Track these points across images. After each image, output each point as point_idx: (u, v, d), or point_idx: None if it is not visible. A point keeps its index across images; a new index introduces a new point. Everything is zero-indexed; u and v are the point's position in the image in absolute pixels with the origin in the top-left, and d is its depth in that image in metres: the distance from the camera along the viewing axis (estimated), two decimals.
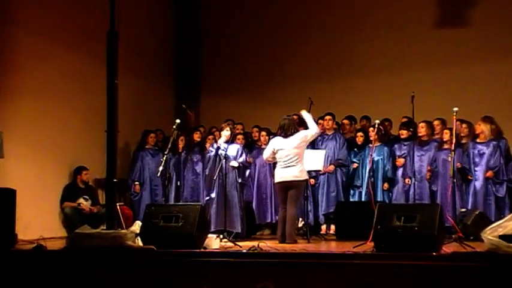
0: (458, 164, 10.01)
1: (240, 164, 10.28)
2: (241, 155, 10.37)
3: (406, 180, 10.56)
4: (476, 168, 10.27)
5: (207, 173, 10.46)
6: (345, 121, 11.61)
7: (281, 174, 9.52)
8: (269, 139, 10.41)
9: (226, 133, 10.30)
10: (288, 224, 9.36)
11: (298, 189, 9.52)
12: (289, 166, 9.44)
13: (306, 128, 10.59)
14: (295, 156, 9.45)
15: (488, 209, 10.07)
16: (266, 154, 9.73)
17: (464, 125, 10.33)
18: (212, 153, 10.32)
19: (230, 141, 10.32)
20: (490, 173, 10.15)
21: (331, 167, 10.92)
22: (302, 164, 9.52)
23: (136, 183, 11.67)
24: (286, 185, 9.47)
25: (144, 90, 12.80)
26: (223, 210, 9.94)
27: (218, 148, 10.25)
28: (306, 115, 9.76)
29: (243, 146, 10.90)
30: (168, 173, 11.19)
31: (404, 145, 10.83)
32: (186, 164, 11.45)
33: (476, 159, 10.28)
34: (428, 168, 10.46)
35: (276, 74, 13.73)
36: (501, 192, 10.13)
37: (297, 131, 9.70)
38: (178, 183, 11.44)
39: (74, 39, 11.11)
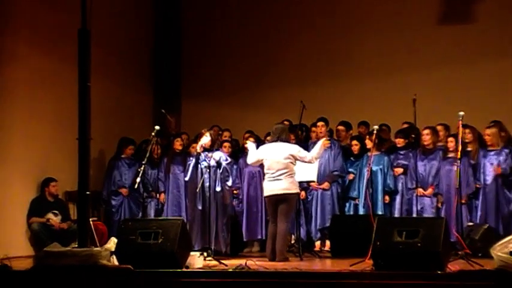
0: (498, 169, 10.01)
1: (222, 164, 10.24)
2: (225, 160, 10.34)
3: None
4: (486, 178, 10.28)
5: (186, 179, 10.42)
6: (340, 127, 11.57)
7: (270, 187, 9.51)
8: (257, 146, 10.41)
9: (205, 139, 10.23)
10: (279, 240, 9.35)
11: (290, 203, 9.51)
12: (278, 179, 9.43)
13: (297, 136, 10.59)
14: (285, 169, 9.42)
15: (498, 223, 10.09)
16: (251, 159, 9.72)
17: (467, 130, 10.23)
18: (192, 162, 10.28)
19: (215, 148, 10.28)
20: (498, 169, 10.11)
21: (326, 184, 10.91)
22: (293, 176, 9.51)
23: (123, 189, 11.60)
24: (276, 199, 9.46)
25: (119, 94, 12.78)
26: (208, 226, 9.91)
27: (198, 156, 10.20)
28: (318, 146, 9.76)
29: (230, 154, 10.89)
30: (150, 184, 11.20)
31: (401, 154, 10.81)
32: (167, 175, 11.42)
33: (487, 169, 10.29)
34: (432, 187, 10.49)
35: (265, 76, 13.74)
36: None
37: (288, 139, 9.69)
38: (158, 196, 11.41)
39: (42, 39, 11.07)
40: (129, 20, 13.30)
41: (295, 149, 9.56)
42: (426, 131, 10.63)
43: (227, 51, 14.03)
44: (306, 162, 9.60)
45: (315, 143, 10.95)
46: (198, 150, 10.21)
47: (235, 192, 10.97)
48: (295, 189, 9.55)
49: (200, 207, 10.19)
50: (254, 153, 9.75)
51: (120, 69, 12.87)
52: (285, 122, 10.92)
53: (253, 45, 13.91)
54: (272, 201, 9.49)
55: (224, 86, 13.92)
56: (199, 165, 10.18)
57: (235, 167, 11.16)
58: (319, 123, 11.15)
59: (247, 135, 11.44)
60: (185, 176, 10.58)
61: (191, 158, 10.41)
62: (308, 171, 10.05)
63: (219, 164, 10.11)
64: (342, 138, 11.53)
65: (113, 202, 11.65)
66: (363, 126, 11.72)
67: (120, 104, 12.75)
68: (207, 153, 10.16)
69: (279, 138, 9.56)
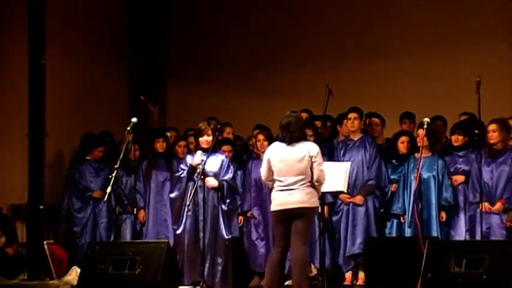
0: None
1: (224, 183, 10.16)
2: (226, 170, 10.26)
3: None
4: None
5: (172, 196, 10.33)
6: (375, 119, 11.47)
7: (280, 200, 9.30)
8: (269, 145, 10.32)
9: (206, 139, 10.13)
10: (296, 270, 9.21)
11: (308, 220, 9.32)
12: (291, 189, 9.27)
13: (316, 131, 10.52)
14: (301, 175, 9.22)
15: None
16: (263, 173, 9.53)
17: None
18: (183, 174, 10.15)
19: (211, 150, 10.17)
20: None
21: (359, 198, 10.86)
22: (311, 186, 9.34)
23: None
24: (288, 215, 9.26)
25: (84, 76, 12.83)
26: (202, 253, 9.85)
27: (193, 171, 10.09)
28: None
29: (231, 158, 10.86)
30: (124, 196, 11.19)
31: (460, 156, 10.78)
32: (147, 184, 11.40)
33: None
34: (502, 201, 10.39)
35: (278, 54, 13.82)
36: None
37: (305, 136, 9.46)
38: (135, 212, 11.36)
39: None
40: None
41: (314, 150, 9.31)
42: (493, 126, 10.51)
43: (228, 20, 14.17)
44: (314, 172, 9.32)
45: (344, 142, 10.90)
46: (195, 163, 10.04)
47: (249, 215, 11.15)
48: (314, 203, 9.34)
49: (179, 231, 10.04)
50: (263, 165, 9.51)
51: (85, 43, 12.92)
52: (303, 114, 10.84)
53: (262, 13, 14.00)
54: (281, 218, 9.28)
55: (224, 67, 14.01)
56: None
57: (238, 173, 11.11)
58: (352, 115, 11.01)
59: (256, 131, 11.34)
60: (171, 192, 10.46)
61: (182, 168, 10.26)
62: (334, 179, 9.99)
63: (217, 188, 10.03)
64: (377, 135, 11.46)
65: (76, 219, 11.55)
66: (407, 121, 11.58)
67: (84, 89, 12.80)
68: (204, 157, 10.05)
69: (291, 133, 9.32)
